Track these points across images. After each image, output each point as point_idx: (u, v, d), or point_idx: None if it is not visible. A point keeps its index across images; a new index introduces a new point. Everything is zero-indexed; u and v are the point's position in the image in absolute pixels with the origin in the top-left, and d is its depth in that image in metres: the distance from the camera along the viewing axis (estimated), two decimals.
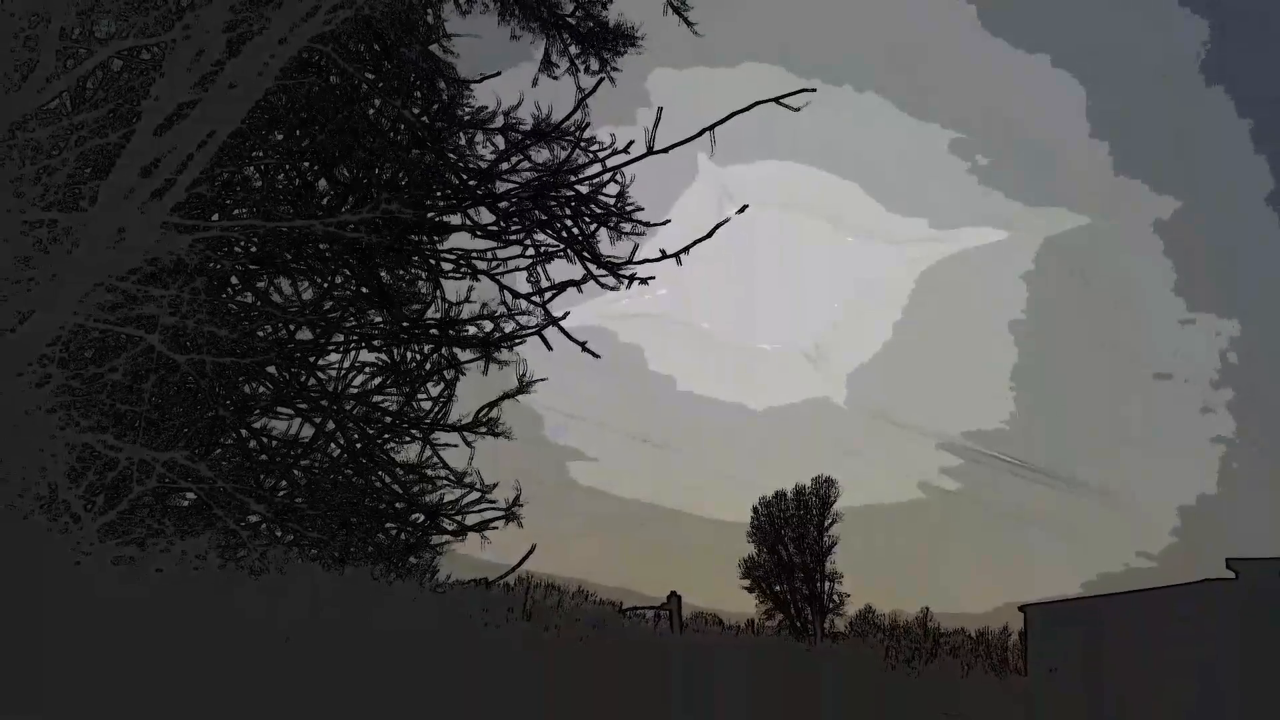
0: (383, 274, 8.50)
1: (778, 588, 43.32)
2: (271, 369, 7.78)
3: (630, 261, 9.26)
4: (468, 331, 8.37)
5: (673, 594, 19.25)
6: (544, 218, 8.99)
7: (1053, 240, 49.48)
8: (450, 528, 8.56)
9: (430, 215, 8.61)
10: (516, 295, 8.66)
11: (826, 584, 43.16)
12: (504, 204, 8.66)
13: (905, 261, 58.89)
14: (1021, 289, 55.16)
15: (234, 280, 7.61)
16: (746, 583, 43.46)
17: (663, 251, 9.29)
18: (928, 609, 40.67)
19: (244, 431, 7.74)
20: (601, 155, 8.93)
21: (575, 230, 9.11)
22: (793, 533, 43.75)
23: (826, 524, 43.81)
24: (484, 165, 8.60)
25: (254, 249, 7.56)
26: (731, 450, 54.96)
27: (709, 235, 9.44)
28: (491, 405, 8.63)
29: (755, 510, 44.37)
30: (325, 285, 8.27)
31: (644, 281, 9.36)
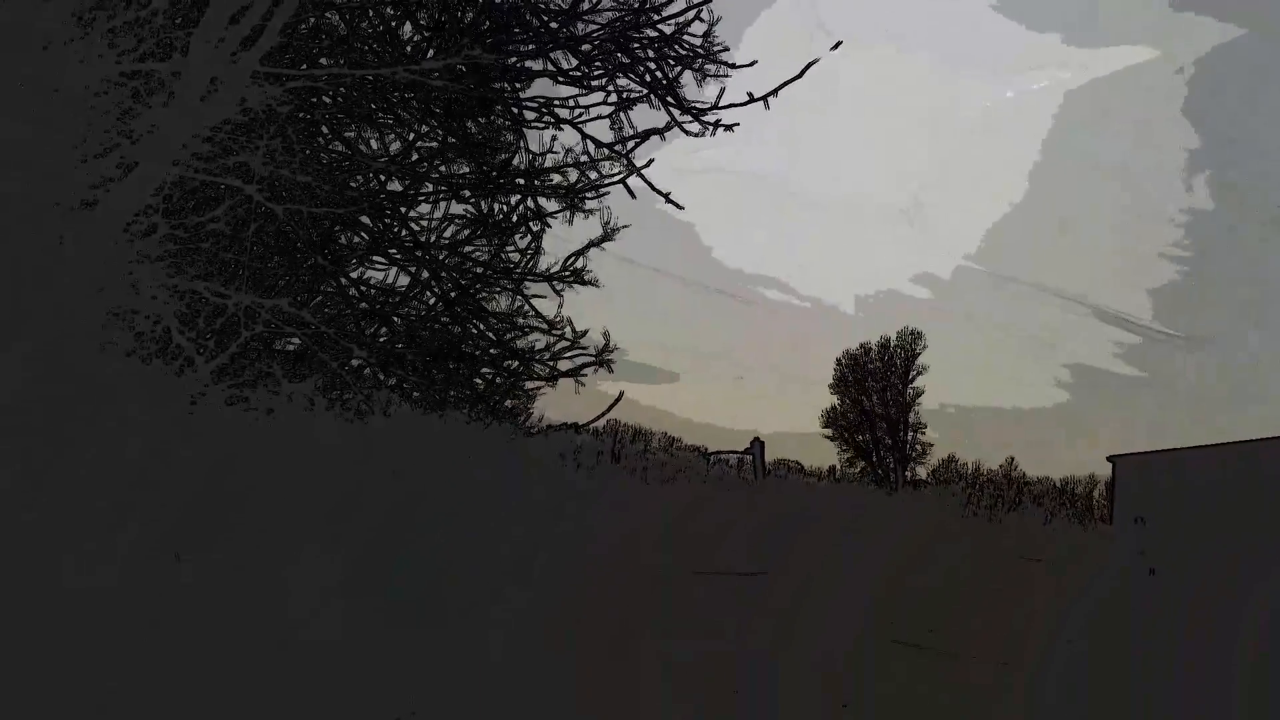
0: (468, 124, 8.46)
1: (860, 437, 43.80)
2: (365, 219, 7.94)
3: (716, 106, 8.98)
4: (552, 181, 8.34)
5: (755, 439, 19.66)
6: (626, 60, 8.72)
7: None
8: (543, 373, 8.81)
9: (512, 60, 8.43)
10: (599, 144, 8.53)
11: (910, 434, 43.44)
12: (586, 46, 8.42)
13: (1021, 94, 55.29)
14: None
15: (324, 130, 7.68)
16: (829, 431, 44.14)
17: (750, 95, 8.93)
18: (1013, 458, 40.67)
19: (343, 280, 7.99)
20: None
21: (659, 74, 8.84)
22: (877, 384, 43.80)
23: (911, 376, 43.73)
24: (565, 5, 8.33)
25: (340, 99, 7.58)
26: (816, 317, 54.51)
27: (799, 76, 9.01)
28: (578, 254, 8.69)
29: (839, 362, 44.53)
30: (411, 136, 8.28)
31: (729, 128, 9.09)
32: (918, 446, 43.49)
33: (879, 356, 44.21)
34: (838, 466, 41.87)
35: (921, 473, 42.43)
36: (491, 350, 8.47)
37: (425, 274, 8.22)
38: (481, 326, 8.38)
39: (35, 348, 3.83)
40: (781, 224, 57.75)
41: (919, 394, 43.68)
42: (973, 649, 6.82)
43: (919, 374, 43.75)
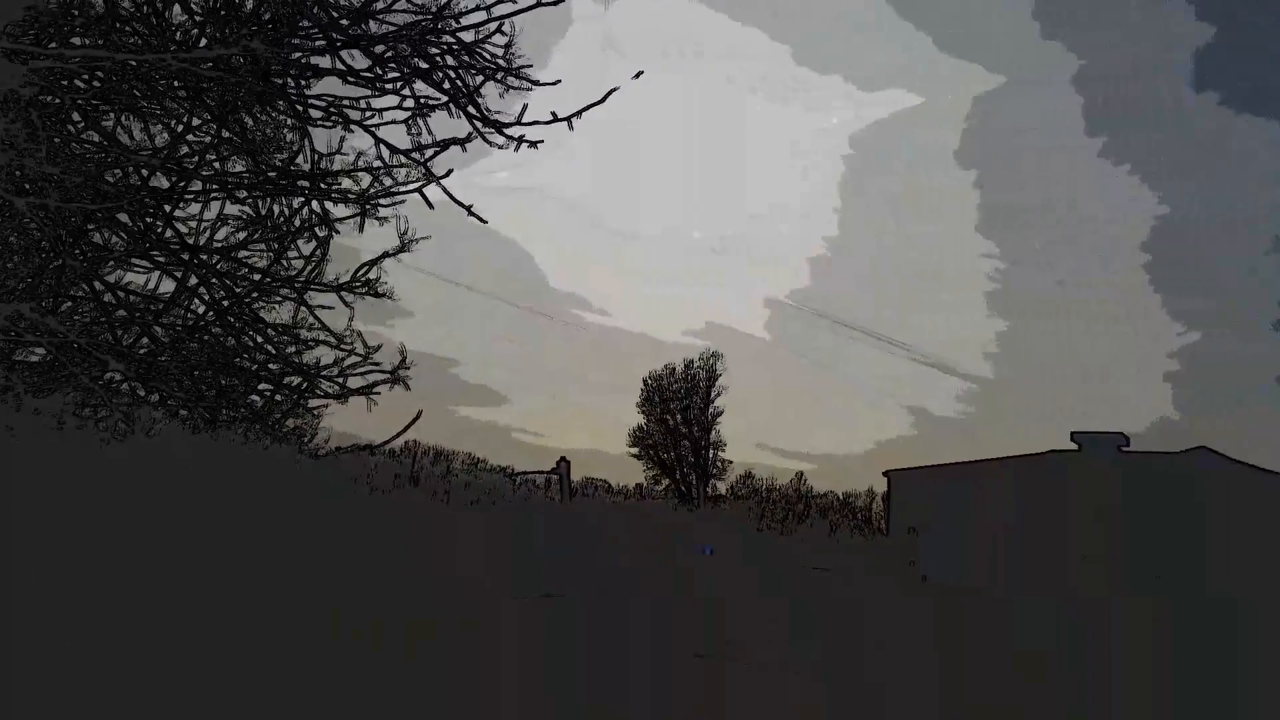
0: (245, 119, 7.86)
1: (665, 455, 44.90)
2: (124, 217, 7.17)
3: (519, 122, 8.82)
4: (340, 185, 7.87)
5: (562, 459, 19.56)
6: (425, 66, 8.41)
7: None
8: (330, 390, 8.26)
9: (297, 56, 7.93)
10: (394, 150, 8.15)
11: (711, 451, 44.94)
12: (380, 47, 8.04)
13: (817, 130, 58.59)
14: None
15: (76, 117, 6.89)
16: (635, 450, 44.96)
17: (554, 114, 8.86)
18: (801, 473, 43.23)
19: (97, 284, 7.17)
20: (487, 2, 8.36)
21: (459, 82, 8.58)
22: (680, 403, 45.10)
23: (712, 396, 45.34)
24: (356, 2, 7.93)
25: (97, 83, 6.83)
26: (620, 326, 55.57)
27: (601, 101, 9.05)
28: (372, 264, 8.24)
29: (645, 382, 45.58)
30: (180, 128, 7.59)
31: (533, 145, 8.96)
32: (718, 464, 45.09)
33: (683, 376, 45.58)
34: (643, 484, 42.73)
35: (721, 488, 44.02)
36: (270, 365, 7.85)
37: (194, 279, 7.52)
38: (259, 339, 7.74)
39: None
40: (599, 248, 58.54)
41: (719, 413, 45.38)
42: (772, 658, 6.98)
43: (719, 393, 45.44)
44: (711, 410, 45.35)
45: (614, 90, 8.93)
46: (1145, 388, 49.15)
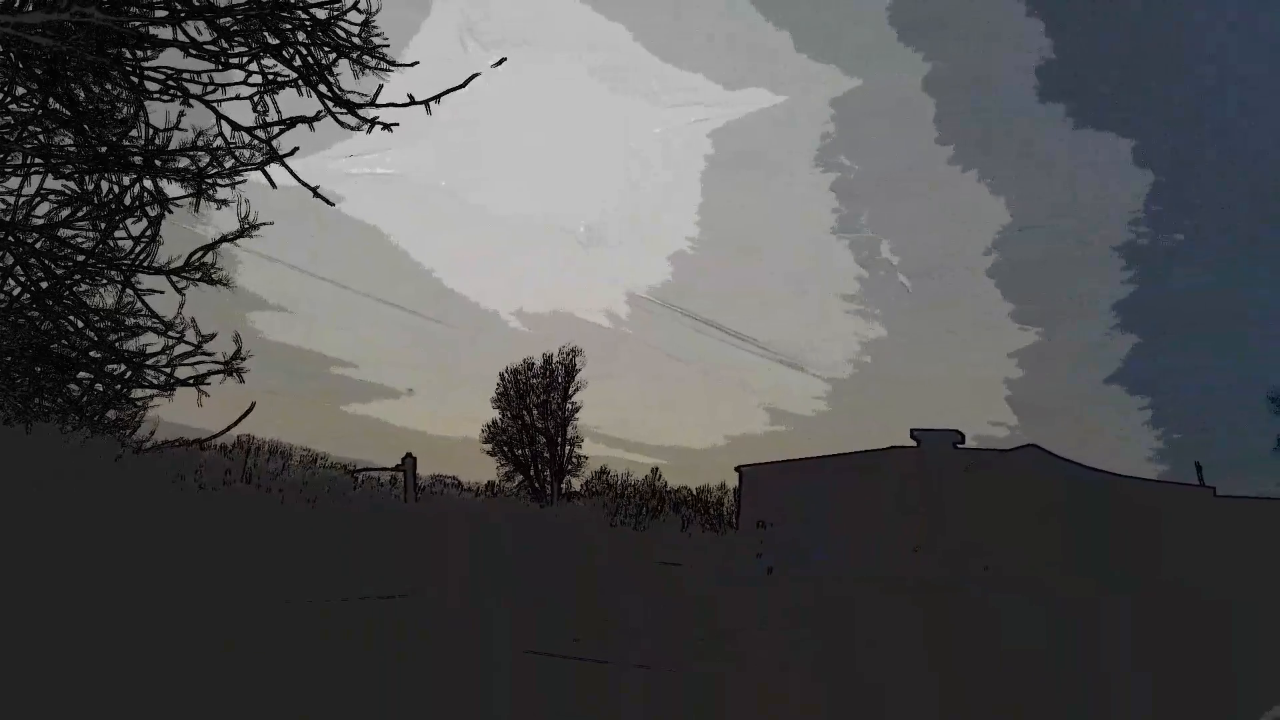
0: (74, 89, 7.31)
1: (519, 451, 44.49)
2: None
3: (374, 103, 8.57)
4: (177, 163, 7.43)
5: (408, 455, 19.01)
6: (274, 41, 8.04)
7: None
8: (157, 380, 7.78)
9: (135, 25, 7.43)
10: (237, 127, 7.75)
11: (567, 448, 44.86)
12: (226, 20, 7.64)
13: (677, 126, 59.46)
14: None
15: None
16: (488, 446, 44.36)
17: (411, 97, 8.63)
18: (657, 468, 43.66)
19: None
20: None
21: (310, 59, 8.25)
22: (538, 399, 44.78)
23: (571, 391, 45.25)
24: None
25: None
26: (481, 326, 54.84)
27: (463, 85, 8.89)
28: (208, 248, 7.81)
29: (502, 377, 45.01)
30: (2, 96, 7.01)
31: (387, 127, 8.72)
32: (574, 460, 45.04)
33: (541, 372, 45.28)
34: (496, 480, 42.21)
35: (576, 485, 43.99)
36: (92, 352, 7.34)
37: (9, 259, 6.95)
38: (80, 323, 7.22)
39: None
40: (459, 236, 57.33)
41: (577, 409, 45.31)
42: (613, 654, 7.05)
43: (578, 389, 45.38)
44: (569, 406, 45.32)
45: (475, 76, 8.81)
46: (987, 387, 52.33)
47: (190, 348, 7.77)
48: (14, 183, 7.35)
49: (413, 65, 8.82)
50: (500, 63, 9.69)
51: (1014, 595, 15.66)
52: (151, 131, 7.49)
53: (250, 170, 7.60)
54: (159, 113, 7.69)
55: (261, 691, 4.70)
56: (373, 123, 8.62)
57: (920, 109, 61.09)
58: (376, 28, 8.36)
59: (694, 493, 39.85)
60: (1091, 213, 55.09)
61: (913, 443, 27.86)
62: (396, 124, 8.74)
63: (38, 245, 7.23)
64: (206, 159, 7.51)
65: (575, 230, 60.63)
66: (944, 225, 58.27)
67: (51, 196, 7.25)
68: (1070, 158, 54.94)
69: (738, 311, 64.45)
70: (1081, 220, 56.02)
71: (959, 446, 27.63)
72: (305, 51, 8.09)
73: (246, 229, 7.81)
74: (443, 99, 8.87)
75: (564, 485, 43.73)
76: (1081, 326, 54.31)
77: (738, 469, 29.44)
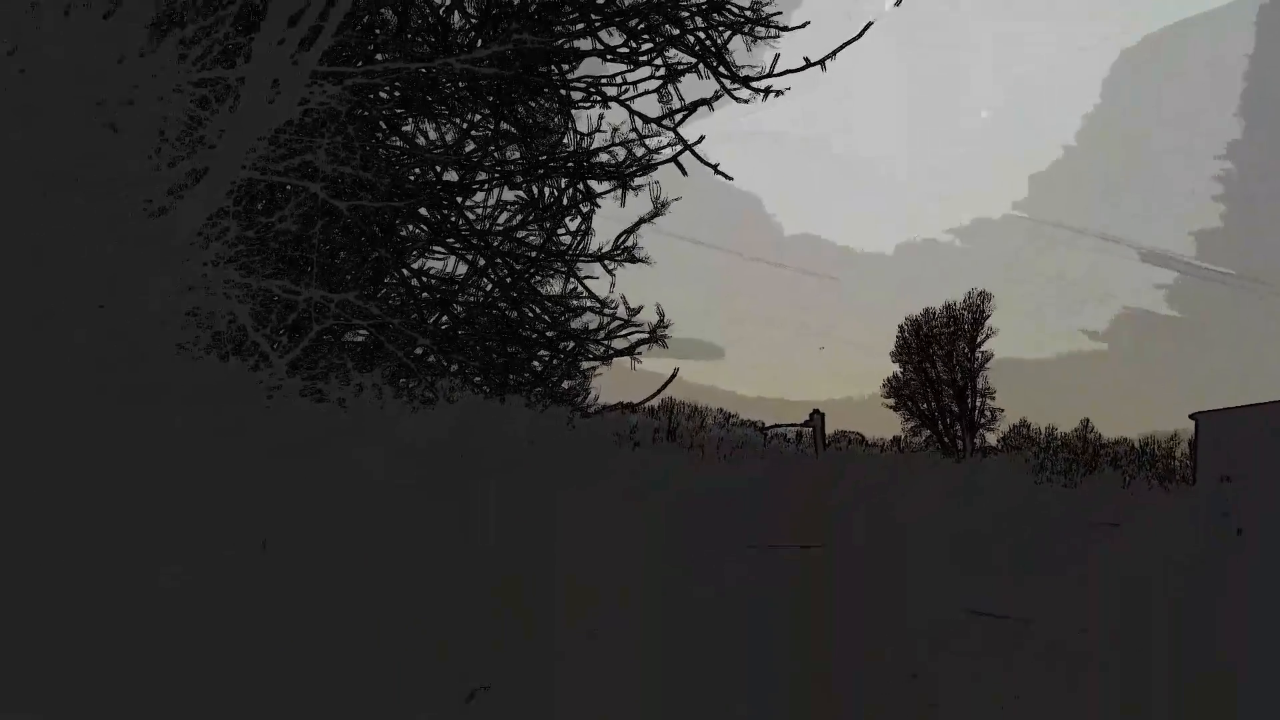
0: (518, 109, 8.55)
1: (924, 405, 43.08)
2: (424, 211, 8.12)
3: (770, 74, 8.78)
4: (600, 161, 8.40)
5: (815, 411, 19.50)
6: (676, 32, 8.63)
7: None
8: (598, 352, 8.92)
9: (560, 42, 8.48)
10: (646, 120, 8.53)
11: (979, 400, 42.58)
12: (634, 21, 8.40)
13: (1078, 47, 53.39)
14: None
15: (382, 125, 7.85)
16: (891, 401, 43.46)
17: (806, 59, 8.69)
18: (1088, 420, 39.44)
19: (405, 271, 8.20)
20: None
21: (708, 42, 8.69)
22: (941, 350, 42.96)
23: (979, 339, 42.75)
24: None
25: (397, 93, 7.73)
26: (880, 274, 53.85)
27: (859, 36, 8.76)
28: (628, 232, 8.74)
29: (901, 329, 43.70)
30: (465, 125, 8.42)
31: (779, 93, 8.92)
32: (987, 413, 42.63)
33: (944, 320, 43.32)
34: (901, 436, 41.33)
35: (991, 440, 41.61)
36: (548, 333, 8.62)
37: (481, 261, 8.38)
38: (537, 310, 8.53)
39: (118, 353, 4.03)
40: (830, 186, 56.96)
41: (987, 358, 42.78)
42: (1048, 616, 6.77)
43: (988, 336, 42.81)
44: (979, 355, 42.87)
45: (870, 25, 8.64)
46: None
47: (621, 322, 8.78)
48: (479, 197, 8.79)
49: (804, 26, 8.86)
50: (899, 2, 9.41)
51: None
52: (579, 137, 8.54)
53: (663, 162, 8.35)
54: (582, 119, 8.72)
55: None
56: (767, 91, 8.89)
57: None
58: None
59: (1136, 445, 35.85)
60: None
61: None
62: (789, 88, 8.91)
63: (501, 247, 8.60)
64: (624, 154, 8.39)
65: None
66: None
67: (508, 206, 8.58)
68: None
69: None
70: None
71: None
72: (704, 35, 8.57)
73: (660, 208, 8.59)
74: (837, 55, 8.84)
75: (977, 440, 41.65)
76: None
77: (1193, 416, 26.02)
